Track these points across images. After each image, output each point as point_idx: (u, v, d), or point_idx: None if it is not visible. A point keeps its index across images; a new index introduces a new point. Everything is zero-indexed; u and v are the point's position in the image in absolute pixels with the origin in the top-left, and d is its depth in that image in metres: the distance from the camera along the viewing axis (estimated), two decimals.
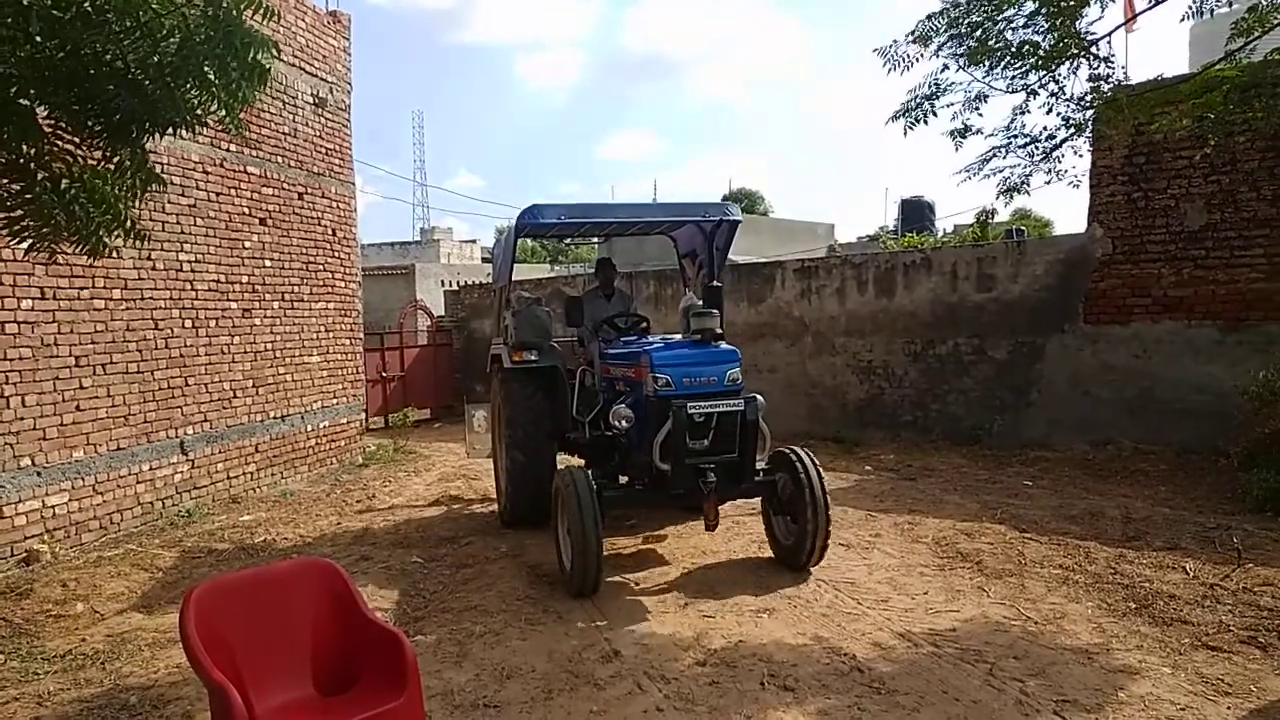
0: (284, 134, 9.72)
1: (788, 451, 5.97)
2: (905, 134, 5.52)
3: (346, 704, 3.08)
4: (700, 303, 6.76)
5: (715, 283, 7.11)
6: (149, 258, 7.70)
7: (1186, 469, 8.38)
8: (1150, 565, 5.69)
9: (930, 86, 5.39)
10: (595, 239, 10.50)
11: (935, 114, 5.38)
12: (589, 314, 7.42)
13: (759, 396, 5.80)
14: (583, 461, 6.90)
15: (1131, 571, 5.58)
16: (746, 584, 5.73)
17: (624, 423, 5.95)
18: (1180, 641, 4.47)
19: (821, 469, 5.88)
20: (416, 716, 3.06)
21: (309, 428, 10.20)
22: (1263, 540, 6.08)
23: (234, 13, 2.95)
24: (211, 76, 2.96)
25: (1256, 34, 4.72)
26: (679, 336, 6.69)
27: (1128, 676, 4.09)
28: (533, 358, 7.15)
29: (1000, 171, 5.68)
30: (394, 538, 7.25)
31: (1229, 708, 3.75)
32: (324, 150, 10.53)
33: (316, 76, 10.30)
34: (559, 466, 6.55)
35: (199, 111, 3.20)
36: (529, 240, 12.86)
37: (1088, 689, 3.97)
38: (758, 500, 6.31)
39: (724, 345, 6.05)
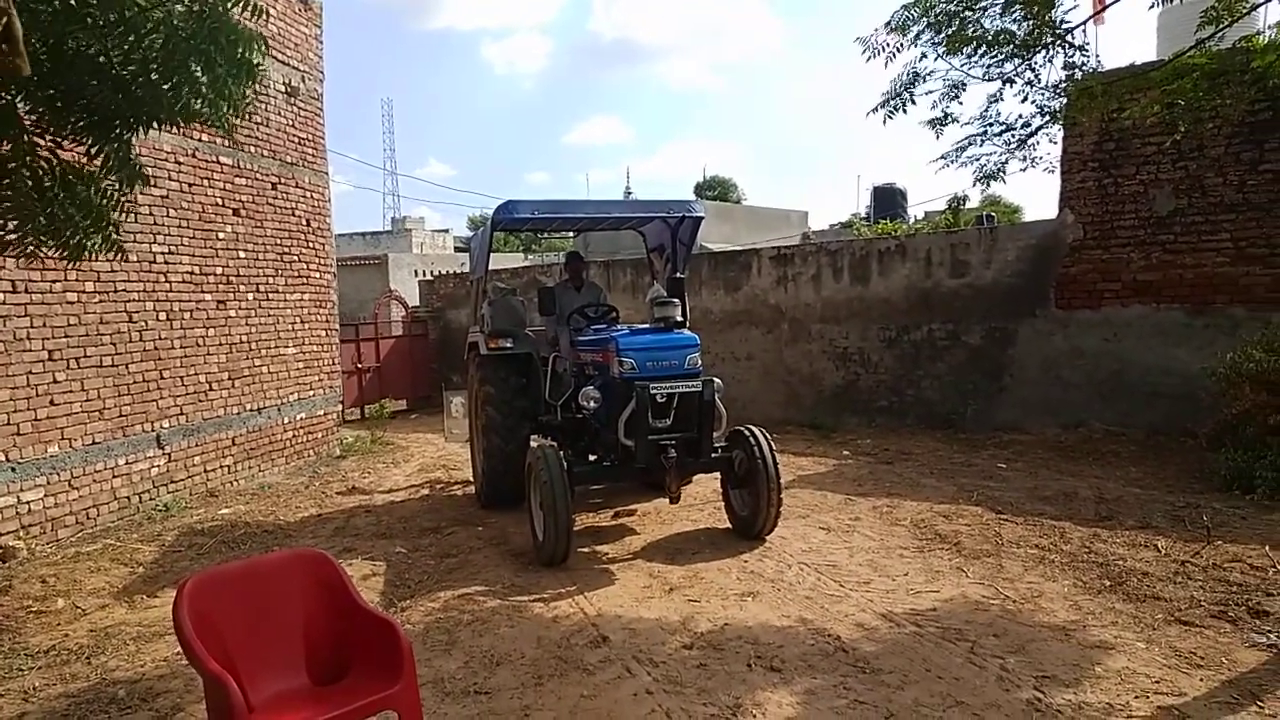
0: (256, 123, 9.60)
1: (743, 430, 6.40)
2: (885, 123, 5.60)
3: (341, 692, 3.09)
4: (665, 293, 7.08)
5: (679, 274, 7.59)
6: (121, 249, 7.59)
7: (1156, 450, 8.56)
8: (1123, 544, 5.83)
9: (909, 75, 5.45)
10: (569, 232, 10.75)
11: (914, 102, 5.46)
12: (561, 304, 7.76)
13: (716, 379, 6.29)
14: (555, 443, 7.09)
15: (1105, 550, 5.71)
16: (707, 553, 6.15)
17: (592, 403, 6.39)
18: (1154, 617, 4.59)
19: (774, 446, 6.27)
20: (413, 703, 3.07)
21: (285, 420, 10.13)
22: (1230, 518, 6.24)
23: (220, 9, 2.91)
24: (198, 73, 2.92)
25: (1226, 22, 4.82)
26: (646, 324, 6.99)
27: (1104, 652, 4.20)
28: (508, 345, 7.53)
29: (977, 159, 5.77)
30: (376, 529, 7.24)
31: (1202, 680, 3.86)
32: (297, 140, 10.42)
33: (288, 65, 10.18)
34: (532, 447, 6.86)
35: (185, 109, 3.15)
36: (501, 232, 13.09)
37: (1066, 665, 4.07)
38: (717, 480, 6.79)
39: (685, 332, 6.48)
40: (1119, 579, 5.16)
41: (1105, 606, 4.77)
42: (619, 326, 7.21)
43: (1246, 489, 6.80)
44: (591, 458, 6.99)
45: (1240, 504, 6.58)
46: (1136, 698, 3.71)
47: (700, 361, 6.34)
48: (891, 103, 5.52)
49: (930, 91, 5.53)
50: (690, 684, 4.04)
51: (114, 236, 3.72)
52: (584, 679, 4.15)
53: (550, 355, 7.69)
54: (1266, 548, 5.49)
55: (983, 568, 5.55)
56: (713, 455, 6.35)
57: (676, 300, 6.75)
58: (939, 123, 5.64)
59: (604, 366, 6.54)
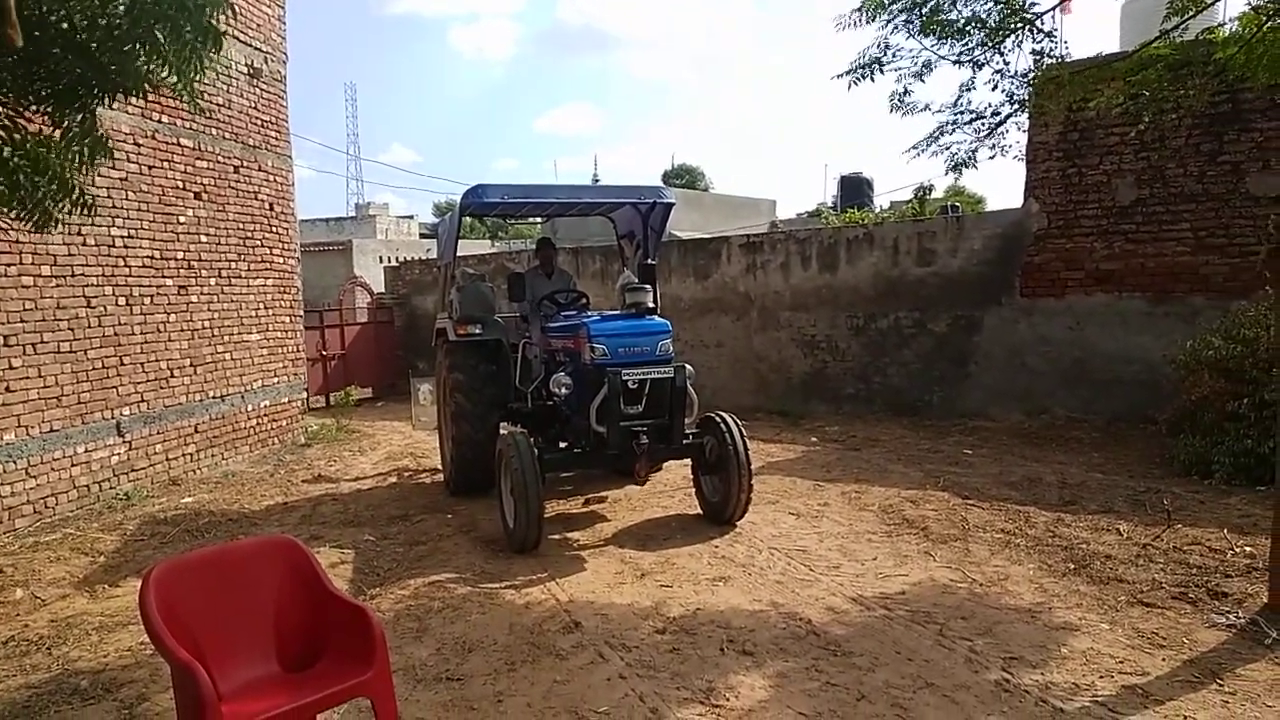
0: (218, 105, 9.40)
1: (714, 417, 6.40)
2: (849, 88, 5.61)
3: (313, 679, 3.05)
4: (636, 280, 7.07)
5: (650, 261, 7.61)
6: (79, 233, 7.41)
7: (1117, 436, 8.72)
8: (1086, 528, 5.93)
9: (880, 48, 5.46)
10: (537, 218, 10.61)
11: (883, 71, 5.47)
12: (531, 290, 7.69)
13: (688, 365, 6.23)
14: (525, 430, 7.02)
15: (1069, 534, 5.81)
16: (679, 539, 6.17)
17: (563, 389, 6.38)
18: (1117, 599, 4.68)
19: (745, 432, 6.29)
20: (385, 689, 3.04)
21: (249, 407, 9.98)
22: (1190, 502, 6.37)
23: None
24: (163, 40, 2.83)
25: (1191, 13, 4.87)
26: (616, 311, 6.97)
27: (1069, 633, 4.27)
28: (477, 331, 7.47)
29: (948, 148, 5.79)
30: (344, 517, 7.16)
31: (1164, 660, 3.94)
32: (260, 122, 10.22)
33: (251, 46, 9.98)
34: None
35: (150, 77, 3.05)
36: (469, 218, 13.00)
37: (1032, 646, 4.13)
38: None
39: (656, 318, 6.47)
40: (1082, 562, 5.25)
41: (1069, 589, 4.86)
42: (589, 313, 7.17)
43: (1205, 474, 6.94)
44: (562, 445, 6.96)
45: (1199, 488, 6.72)
46: (1101, 677, 3.78)
47: (671, 348, 6.32)
48: (859, 70, 5.52)
49: (899, 70, 5.56)
50: (663, 668, 4.05)
51: (83, 198, 3.59)
52: (557, 664, 4.14)
53: (520, 342, 7.64)
54: (1224, 531, 5.62)
55: (950, 552, 5.62)
56: (684, 442, 6.33)
57: (647, 286, 6.73)
58: (900, 98, 5.65)
59: (575, 353, 6.50)
